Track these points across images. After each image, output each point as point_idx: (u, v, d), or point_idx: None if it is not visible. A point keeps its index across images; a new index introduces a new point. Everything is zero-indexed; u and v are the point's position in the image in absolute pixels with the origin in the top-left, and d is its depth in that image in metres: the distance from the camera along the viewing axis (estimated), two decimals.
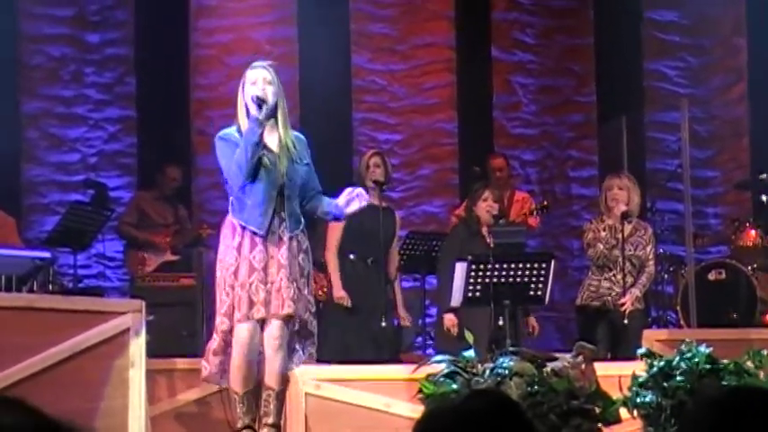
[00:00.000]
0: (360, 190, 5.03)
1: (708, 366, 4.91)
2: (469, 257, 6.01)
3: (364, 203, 4.98)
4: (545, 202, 7.99)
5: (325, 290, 7.28)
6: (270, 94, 4.83)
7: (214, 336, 4.94)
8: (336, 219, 5.18)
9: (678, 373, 4.90)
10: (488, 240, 6.48)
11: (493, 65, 9.37)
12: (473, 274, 5.95)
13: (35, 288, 5.94)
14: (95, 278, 8.67)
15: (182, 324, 7.35)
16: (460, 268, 5.95)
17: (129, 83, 8.95)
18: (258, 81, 4.85)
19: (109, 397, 5.08)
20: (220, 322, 4.88)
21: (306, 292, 4.93)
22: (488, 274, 5.92)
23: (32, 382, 4.93)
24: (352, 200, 4.95)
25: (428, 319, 7.81)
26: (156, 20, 8.85)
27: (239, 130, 4.87)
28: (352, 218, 6.38)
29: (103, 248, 8.35)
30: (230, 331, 4.85)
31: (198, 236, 8.03)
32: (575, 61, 9.49)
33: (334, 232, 6.50)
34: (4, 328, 4.98)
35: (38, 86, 8.82)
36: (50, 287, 6.32)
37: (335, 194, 6.48)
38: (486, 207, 6.54)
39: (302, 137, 5.03)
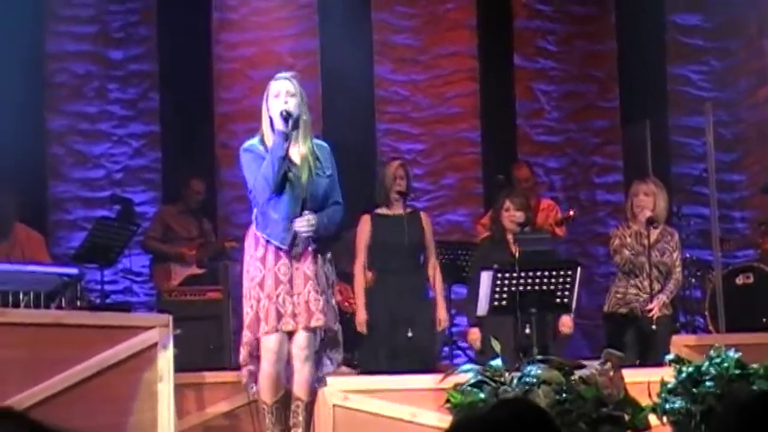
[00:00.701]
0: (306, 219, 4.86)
1: (737, 371, 4.87)
2: (495, 266, 5.99)
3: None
4: (570, 212, 7.95)
5: (351, 301, 7.27)
6: (293, 105, 4.85)
7: (241, 348, 4.96)
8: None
9: (707, 378, 4.87)
10: (514, 249, 6.45)
11: (515, 73, 9.37)
12: (498, 282, 5.93)
13: (63, 304, 5.96)
14: (122, 293, 8.70)
15: (209, 337, 7.37)
16: (486, 277, 5.94)
17: (153, 98, 9.00)
18: (281, 93, 4.88)
19: (138, 411, 5.10)
20: (245, 335, 4.90)
21: (332, 302, 4.94)
22: (514, 282, 5.90)
23: (62, 398, 4.96)
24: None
25: (455, 329, 7.79)
26: (178, 35, 8.90)
27: (262, 141, 4.89)
28: (378, 231, 6.38)
29: (130, 263, 8.38)
30: (253, 343, 4.85)
31: (222, 249, 8.05)
32: (597, 67, 9.46)
33: (362, 244, 6.43)
34: (34, 344, 5.01)
35: (62, 103, 8.89)
36: (78, 303, 6.35)
37: (360, 206, 6.50)
38: (508, 217, 6.51)
39: (325, 145, 5.03)
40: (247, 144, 4.95)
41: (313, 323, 4.81)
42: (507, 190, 6.97)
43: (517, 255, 6.20)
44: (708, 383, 4.85)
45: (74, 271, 6.16)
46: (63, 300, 5.98)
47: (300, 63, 9.08)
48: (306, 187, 4.83)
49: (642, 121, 8.75)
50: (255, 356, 4.90)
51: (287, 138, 4.80)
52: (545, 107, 9.43)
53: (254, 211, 4.93)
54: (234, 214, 8.70)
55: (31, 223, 7.43)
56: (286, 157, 4.80)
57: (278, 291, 4.81)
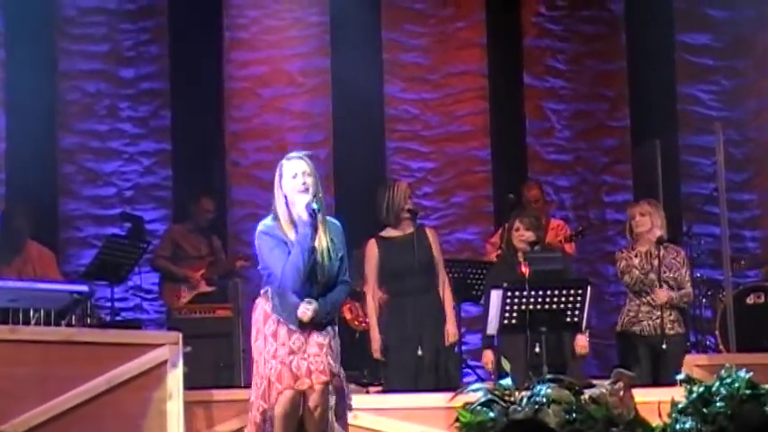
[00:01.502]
0: None
1: (748, 392, 4.86)
2: (505, 284, 5.98)
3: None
4: (580, 228, 7.94)
5: (360, 319, 7.26)
6: (311, 185, 4.89)
7: (252, 412, 4.92)
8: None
9: (718, 398, 4.85)
10: (524, 268, 6.42)
11: (525, 91, 9.37)
12: (509, 300, 5.92)
13: (73, 322, 5.97)
14: (132, 311, 8.71)
15: (219, 355, 7.37)
16: (496, 295, 5.93)
17: (164, 116, 9.03)
18: (298, 174, 4.91)
19: (147, 429, 5.10)
20: (258, 407, 4.86)
21: (335, 346, 4.93)
22: (524, 300, 5.89)
23: (72, 416, 4.97)
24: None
25: (464, 347, 7.78)
26: (189, 53, 8.93)
27: (276, 218, 4.91)
28: (386, 255, 6.32)
29: (140, 281, 8.39)
30: (266, 412, 4.83)
31: (232, 267, 8.06)
32: (607, 86, 9.47)
33: (371, 269, 6.38)
34: (44, 361, 5.02)
35: (74, 122, 8.92)
36: (88, 320, 6.36)
37: (369, 225, 6.48)
38: (518, 237, 6.49)
39: (338, 224, 5.06)
40: (264, 226, 4.96)
41: (323, 378, 4.80)
42: (517, 210, 6.95)
43: (527, 274, 6.18)
44: (718, 404, 4.83)
45: (84, 288, 6.17)
46: (73, 317, 5.99)
47: (311, 82, 9.11)
48: (325, 274, 4.90)
49: (652, 141, 8.74)
50: (264, 424, 4.86)
51: (315, 229, 4.84)
52: (555, 126, 9.44)
53: (268, 289, 4.93)
54: (244, 232, 8.70)
55: (42, 240, 7.45)
56: (314, 249, 4.85)
57: (291, 358, 4.83)
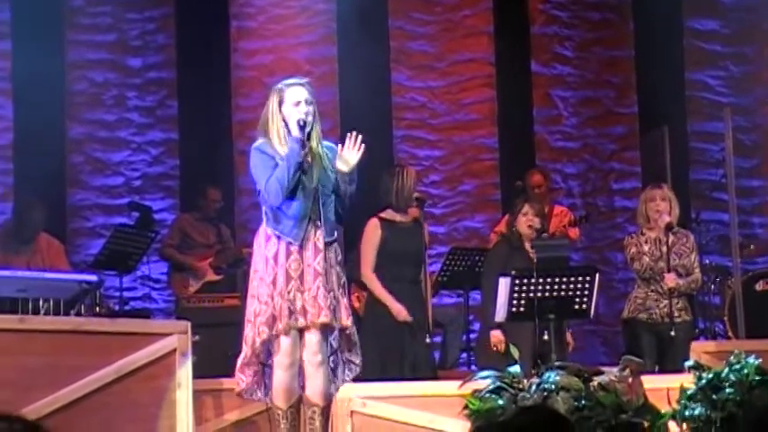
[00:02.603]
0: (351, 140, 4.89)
1: (757, 378, 4.85)
2: (512, 272, 5.98)
3: (360, 153, 4.88)
4: (584, 213, 7.93)
5: (359, 301, 7.23)
6: (310, 114, 4.89)
7: (244, 347, 4.91)
8: (351, 182, 5.01)
9: (727, 385, 4.84)
10: (531, 255, 6.44)
11: (533, 79, 9.36)
12: (516, 288, 5.92)
13: (82, 311, 5.99)
14: (141, 300, 8.74)
15: (227, 344, 7.36)
16: (504, 283, 5.93)
17: (171, 106, 9.04)
18: (301, 103, 4.92)
19: (157, 418, 5.11)
20: (257, 333, 4.84)
21: (345, 301, 4.94)
22: (532, 288, 5.89)
23: (81, 405, 4.98)
24: (348, 154, 4.88)
25: (472, 335, 7.78)
26: (196, 43, 8.94)
27: (269, 138, 4.91)
28: (390, 238, 6.33)
29: (149, 270, 8.41)
30: (267, 341, 4.85)
31: (240, 255, 8.07)
32: (615, 73, 9.45)
33: (373, 248, 6.39)
34: (53, 351, 5.03)
35: (81, 111, 8.93)
36: (97, 310, 6.38)
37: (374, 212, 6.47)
38: (526, 221, 6.49)
39: (333, 146, 5.05)
40: (259, 143, 4.97)
41: (321, 319, 4.79)
42: (524, 196, 6.96)
43: (535, 261, 6.18)
44: (728, 390, 4.82)
45: (93, 278, 6.19)
46: (82, 307, 6.00)
47: (318, 70, 9.10)
48: (315, 180, 4.86)
49: (660, 127, 8.73)
50: (262, 356, 4.86)
51: (304, 145, 4.83)
52: (563, 113, 9.42)
53: (263, 208, 4.95)
54: (251, 221, 8.71)
55: (50, 231, 7.47)
56: (303, 163, 4.83)
57: (288, 288, 4.81)
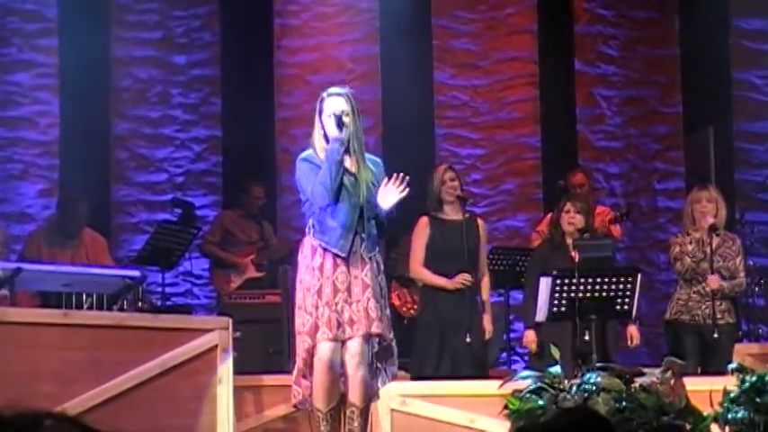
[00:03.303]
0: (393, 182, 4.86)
1: None
2: (554, 272, 5.95)
3: (402, 194, 4.87)
4: (625, 210, 7.87)
5: (409, 305, 7.25)
6: (349, 123, 4.88)
7: (297, 359, 4.96)
8: (388, 215, 5.04)
9: None
10: (573, 254, 6.40)
11: (576, 78, 9.31)
12: (558, 288, 5.89)
13: (125, 306, 6.04)
14: (183, 296, 8.79)
15: (268, 341, 7.41)
16: (545, 283, 5.90)
17: (215, 103, 9.09)
18: (337, 112, 4.90)
19: (197, 413, 5.14)
20: (302, 342, 4.89)
21: (387, 311, 4.95)
22: (573, 288, 5.86)
23: (123, 400, 5.02)
24: (389, 192, 4.86)
25: (512, 335, 7.76)
26: (240, 40, 8.98)
27: (314, 149, 4.93)
28: (437, 235, 6.34)
29: (191, 266, 8.46)
30: (313, 348, 4.87)
31: (286, 251, 8.07)
32: (659, 72, 9.37)
33: (421, 244, 6.38)
34: (96, 345, 5.08)
35: (126, 108, 9.01)
36: (140, 305, 6.42)
37: (418, 212, 6.47)
38: (568, 219, 6.46)
39: (378, 160, 5.06)
40: (305, 154, 4.98)
41: (373, 330, 4.83)
42: (567, 195, 6.92)
43: (577, 260, 6.14)
44: None
45: (136, 273, 6.23)
46: (125, 302, 6.05)
47: (360, 68, 9.11)
48: (362, 195, 4.86)
49: (705, 127, 8.64)
50: (310, 366, 4.90)
51: (342, 143, 4.83)
52: (606, 113, 9.36)
53: (310, 220, 4.95)
54: (294, 219, 8.74)
55: (94, 226, 7.54)
56: (342, 162, 4.83)
57: (336, 299, 4.83)
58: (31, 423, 1.21)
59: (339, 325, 4.82)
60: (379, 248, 5.03)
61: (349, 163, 4.89)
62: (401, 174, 4.88)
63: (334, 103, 4.91)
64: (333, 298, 4.83)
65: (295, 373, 4.97)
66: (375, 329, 4.82)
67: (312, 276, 4.87)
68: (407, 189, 4.86)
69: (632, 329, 6.39)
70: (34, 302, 6.59)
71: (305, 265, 4.93)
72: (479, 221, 6.51)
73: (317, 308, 4.84)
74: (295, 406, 5.05)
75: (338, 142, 4.83)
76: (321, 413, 4.90)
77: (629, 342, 6.39)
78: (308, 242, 4.94)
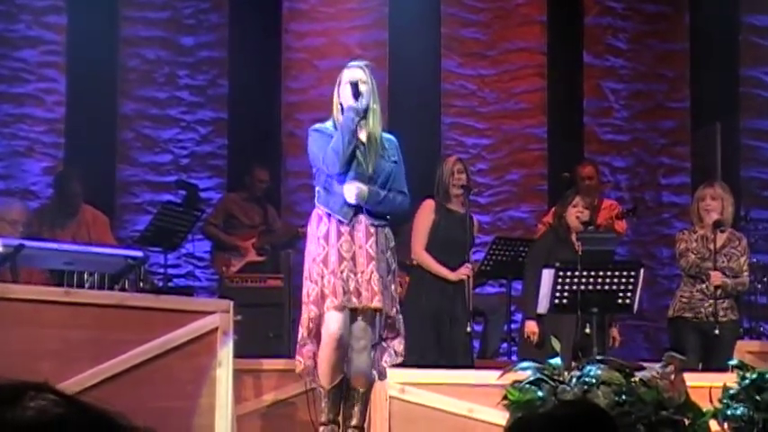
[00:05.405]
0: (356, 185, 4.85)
1: None
2: (557, 264, 5.95)
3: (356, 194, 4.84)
4: (632, 206, 7.86)
5: (401, 285, 7.22)
6: (364, 92, 4.87)
7: (300, 329, 4.95)
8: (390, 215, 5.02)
9: None
10: (577, 247, 6.39)
11: (584, 70, 9.28)
12: (560, 280, 5.89)
13: (127, 286, 6.03)
14: (185, 278, 8.79)
15: (269, 325, 7.41)
16: (548, 275, 5.90)
17: (222, 85, 9.07)
18: (353, 80, 4.93)
19: (197, 395, 5.14)
20: (307, 311, 4.87)
21: (392, 289, 4.94)
22: (576, 281, 5.85)
23: (123, 379, 5.02)
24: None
25: (513, 325, 7.75)
26: (249, 23, 8.95)
27: (335, 126, 4.92)
28: (442, 223, 6.35)
29: (193, 248, 8.46)
30: (318, 317, 4.85)
31: (296, 234, 8.03)
32: (668, 67, 9.34)
33: (422, 230, 6.38)
34: (97, 325, 5.08)
35: (133, 88, 8.99)
36: (141, 285, 6.42)
37: (422, 199, 6.46)
38: (575, 213, 6.45)
39: (393, 138, 5.06)
40: (318, 125, 5.02)
41: (375, 303, 4.80)
42: (575, 188, 6.92)
43: (580, 253, 6.14)
44: None
45: (138, 254, 6.22)
46: (127, 282, 6.05)
47: (368, 54, 9.06)
48: (371, 167, 4.85)
49: (713, 123, 8.62)
50: (315, 336, 4.89)
51: (357, 112, 4.83)
52: (613, 106, 9.34)
53: (317, 188, 4.95)
54: (298, 203, 8.73)
55: (98, 206, 7.53)
56: (356, 131, 4.83)
57: (341, 267, 4.81)
58: (14, 394, 1.19)
59: (344, 293, 4.79)
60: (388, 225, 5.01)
61: (363, 135, 4.88)
62: None
63: (352, 72, 4.95)
64: (338, 266, 4.81)
65: (298, 342, 4.96)
66: (376, 303, 4.80)
67: (317, 245, 4.86)
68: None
69: (614, 331, 6.47)
70: (42, 279, 6.58)
71: (311, 235, 4.93)
72: (474, 219, 6.60)
73: (322, 276, 4.82)
74: (300, 374, 5.03)
75: (353, 111, 4.84)
76: (324, 390, 4.89)
77: (609, 343, 6.41)
78: (315, 213, 4.95)
